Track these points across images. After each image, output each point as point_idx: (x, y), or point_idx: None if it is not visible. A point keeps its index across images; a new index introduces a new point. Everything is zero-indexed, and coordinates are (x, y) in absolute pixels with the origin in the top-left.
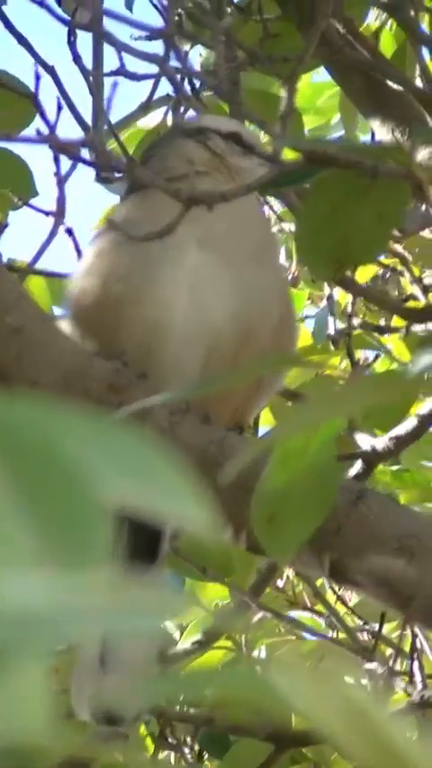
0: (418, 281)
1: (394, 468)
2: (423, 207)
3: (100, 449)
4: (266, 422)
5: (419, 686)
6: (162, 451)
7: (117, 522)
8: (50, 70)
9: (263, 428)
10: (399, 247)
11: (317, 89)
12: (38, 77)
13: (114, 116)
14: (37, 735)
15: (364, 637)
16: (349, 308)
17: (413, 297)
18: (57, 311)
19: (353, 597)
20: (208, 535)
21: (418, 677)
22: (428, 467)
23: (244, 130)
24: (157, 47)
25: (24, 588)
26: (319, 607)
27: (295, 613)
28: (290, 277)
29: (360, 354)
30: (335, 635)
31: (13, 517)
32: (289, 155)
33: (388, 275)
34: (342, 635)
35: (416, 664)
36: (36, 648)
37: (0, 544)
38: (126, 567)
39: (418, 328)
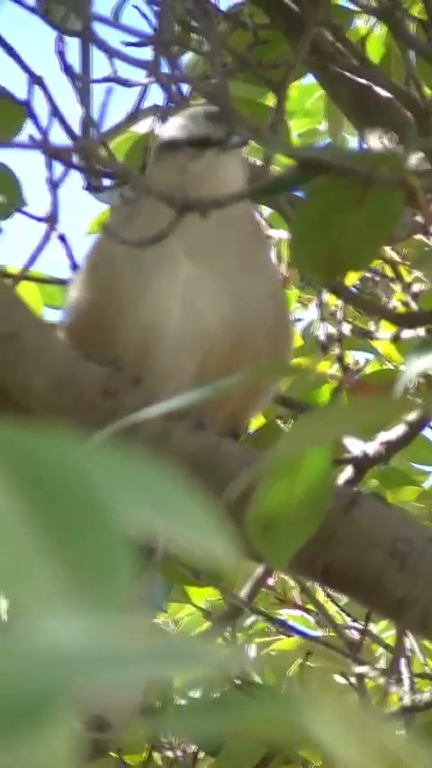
0: (407, 287)
1: (381, 467)
2: (413, 213)
3: (122, 481)
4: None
5: (407, 683)
6: (185, 484)
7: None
8: (39, 80)
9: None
10: (393, 255)
11: (305, 91)
12: (30, 84)
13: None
14: None
15: (354, 634)
16: (339, 314)
17: (404, 304)
18: (49, 316)
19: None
20: (230, 567)
21: (405, 674)
22: (417, 469)
23: (212, 129)
24: (146, 54)
25: (55, 631)
26: (310, 605)
27: (285, 611)
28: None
29: (350, 356)
30: (324, 633)
31: (41, 555)
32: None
33: (378, 278)
34: (331, 633)
35: (402, 661)
36: (68, 694)
37: (28, 583)
38: None
39: (407, 334)
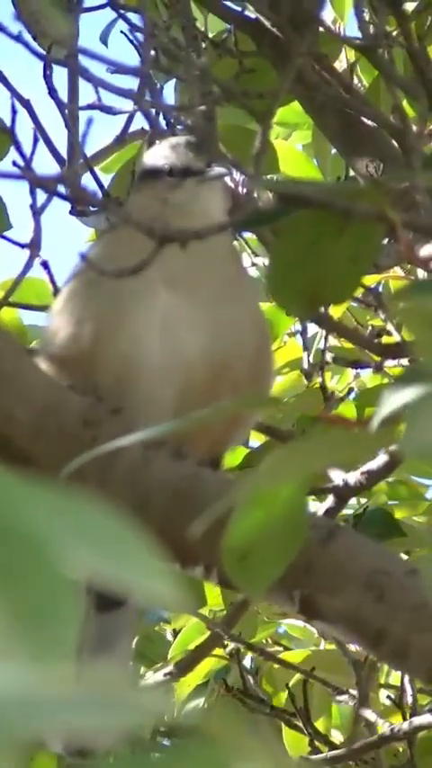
0: (392, 317)
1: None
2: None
3: (68, 525)
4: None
5: (410, 699)
6: (130, 525)
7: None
8: (26, 104)
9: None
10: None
11: None
12: (14, 111)
13: (90, 148)
14: None
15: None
16: (322, 343)
17: (387, 332)
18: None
19: None
20: (175, 609)
21: (408, 690)
22: (418, 482)
23: (192, 160)
24: (132, 82)
25: None
26: None
27: (287, 622)
28: None
29: (350, 373)
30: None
31: None
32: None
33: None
34: (331, 646)
35: (407, 676)
36: (5, 739)
37: None
38: (97, 606)
39: (390, 363)
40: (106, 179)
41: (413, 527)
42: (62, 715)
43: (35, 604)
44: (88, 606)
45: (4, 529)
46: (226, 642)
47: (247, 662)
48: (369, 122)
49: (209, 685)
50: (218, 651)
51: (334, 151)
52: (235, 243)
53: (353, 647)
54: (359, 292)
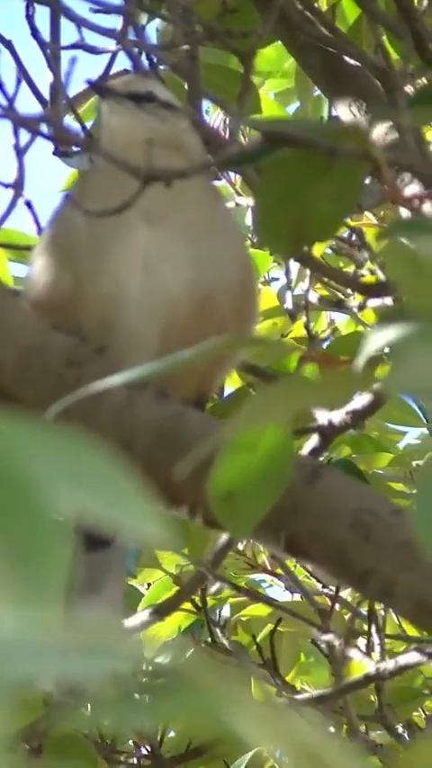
0: (375, 256)
1: (353, 434)
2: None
3: (56, 463)
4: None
5: (377, 648)
6: (118, 464)
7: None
8: (8, 44)
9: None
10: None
11: (282, 51)
12: None
13: (73, 89)
14: None
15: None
16: (306, 283)
17: (372, 272)
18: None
19: None
20: (164, 547)
21: (375, 639)
22: (392, 429)
23: (158, 88)
24: (116, 21)
25: None
26: (280, 570)
27: (255, 576)
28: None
29: (326, 316)
30: (295, 598)
31: None
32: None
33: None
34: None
35: (373, 626)
36: None
37: None
38: (85, 547)
39: (374, 303)
40: (89, 120)
41: (378, 479)
42: (48, 660)
43: (23, 545)
44: (77, 546)
45: None
46: (195, 597)
47: (214, 617)
48: (352, 62)
49: (176, 639)
50: (186, 605)
51: (316, 93)
52: (216, 182)
53: (318, 598)
54: (342, 233)
